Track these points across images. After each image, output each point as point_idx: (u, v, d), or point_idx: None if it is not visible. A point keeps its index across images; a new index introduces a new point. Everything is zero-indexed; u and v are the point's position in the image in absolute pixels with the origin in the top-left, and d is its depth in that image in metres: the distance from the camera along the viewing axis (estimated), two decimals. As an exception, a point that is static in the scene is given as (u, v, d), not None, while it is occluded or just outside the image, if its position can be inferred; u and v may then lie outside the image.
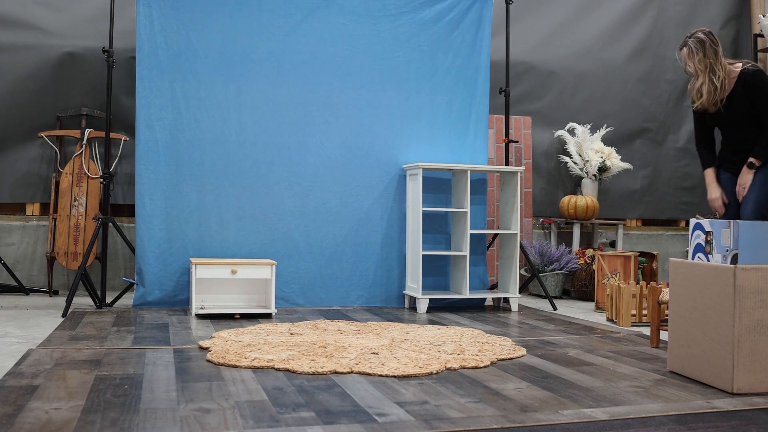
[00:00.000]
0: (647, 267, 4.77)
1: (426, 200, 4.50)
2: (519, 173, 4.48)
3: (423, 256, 4.42)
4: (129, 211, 4.93)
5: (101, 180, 4.29)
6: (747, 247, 2.40)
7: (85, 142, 4.77)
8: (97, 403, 2.07)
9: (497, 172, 4.63)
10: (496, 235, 4.86)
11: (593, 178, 5.61)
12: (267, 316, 3.90)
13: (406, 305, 4.47)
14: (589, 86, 5.91)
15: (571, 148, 5.66)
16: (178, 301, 4.19)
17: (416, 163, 4.32)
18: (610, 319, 4.07)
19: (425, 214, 4.47)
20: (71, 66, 4.84)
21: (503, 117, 5.19)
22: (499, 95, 5.10)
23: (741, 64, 3.49)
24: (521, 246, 4.75)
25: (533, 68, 5.76)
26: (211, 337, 3.18)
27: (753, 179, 3.45)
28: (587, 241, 5.85)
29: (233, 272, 3.93)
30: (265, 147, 4.34)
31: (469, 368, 2.66)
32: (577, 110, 5.87)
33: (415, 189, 4.36)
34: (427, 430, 1.88)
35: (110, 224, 4.38)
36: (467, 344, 3.09)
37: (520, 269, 5.48)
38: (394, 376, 2.50)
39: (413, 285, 4.33)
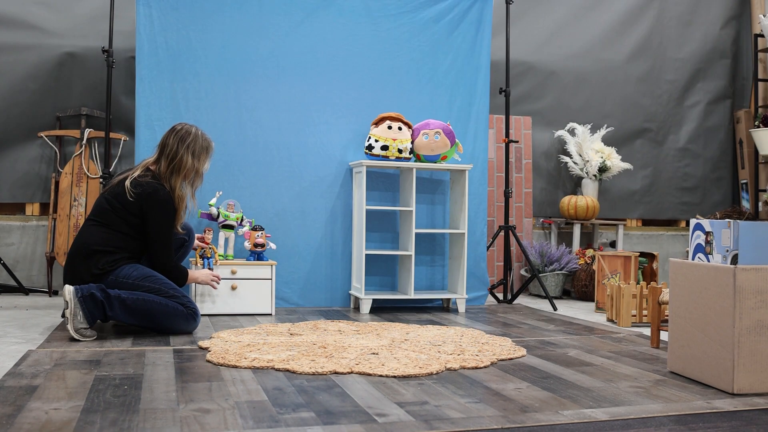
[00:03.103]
0: (647, 267, 4.77)
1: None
2: (467, 171, 4.33)
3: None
4: (129, 211, 4.92)
5: (101, 180, 4.28)
6: (747, 247, 2.39)
7: (84, 142, 4.77)
8: (96, 404, 2.07)
9: (447, 170, 4.43)
10: (496, 235, 4.85)
11: (593, 178, 5.60)
12: (267, 316, 3.90)
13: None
14: (589, 86, 5.90)
15: (572, 148, 5.65)
16: (178, 301, 4.18)
17: (359, 161, 4.24)
18: (610, 320, 4.07)
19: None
20: (71, 66, 4.84)
21: (503, 117, 5.19)
22: (499, 95, 5.10)
23: None
24: (521, 246, 4.75)
25: (533, 68, 5.75)
26: (211, 338, 3.18)
27: None
28: (587, 241, 5.85)
29: (233, 272, 3.93)
30: (265, 147, 4.34)
31: (469, 368, 2.66)
32: (577, 110, 5.86)
33: (360, 187, 4.33)
34: (427, 431, 1.88)
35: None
36: (467, 344, 3.08)
37: (520, 269, 5.48)
38: (394, 377, 2.50)
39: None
